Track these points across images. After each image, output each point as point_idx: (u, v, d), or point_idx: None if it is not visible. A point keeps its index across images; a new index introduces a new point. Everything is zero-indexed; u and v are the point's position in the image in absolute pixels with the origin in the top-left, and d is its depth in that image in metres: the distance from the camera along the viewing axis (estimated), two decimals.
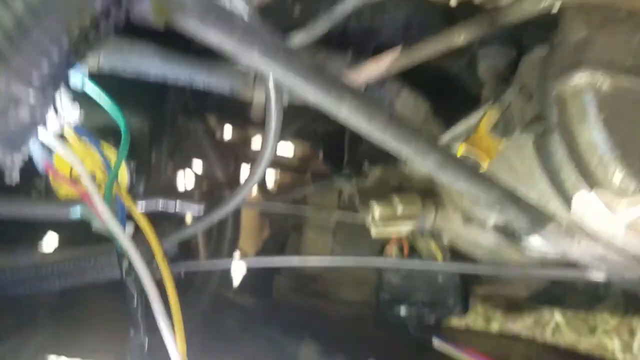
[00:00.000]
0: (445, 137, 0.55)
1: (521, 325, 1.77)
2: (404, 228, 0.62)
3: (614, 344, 1.67)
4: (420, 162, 0.31)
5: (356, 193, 0.68)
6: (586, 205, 0.38)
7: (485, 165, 0.40)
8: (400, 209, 0.60)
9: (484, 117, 0.43)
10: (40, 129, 0.32)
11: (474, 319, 1.72)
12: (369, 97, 0.28)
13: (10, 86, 0.21)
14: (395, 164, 0.67)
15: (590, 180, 0.36)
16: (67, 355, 0.74)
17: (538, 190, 0.44)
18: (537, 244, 0.49)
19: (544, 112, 0.40)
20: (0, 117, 0.20)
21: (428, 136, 0.31)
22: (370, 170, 0.67)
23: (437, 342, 0.76)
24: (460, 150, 0.41)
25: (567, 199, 0.40)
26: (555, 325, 1.74)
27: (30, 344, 0.52)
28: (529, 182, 0.44)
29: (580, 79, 0.37)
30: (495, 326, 1.74)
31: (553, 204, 0.42)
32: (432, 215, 0.62)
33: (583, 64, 0.37)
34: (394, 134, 0.30)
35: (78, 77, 0.34)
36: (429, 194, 0.63)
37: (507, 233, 0.52)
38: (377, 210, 0.60)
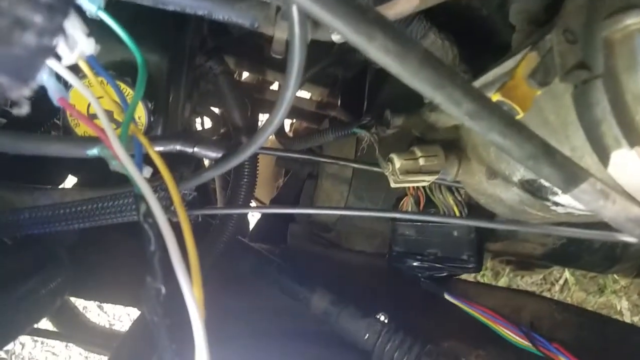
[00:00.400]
0: (476, 84, 0.51)
1: (529, 281, 1.79)
2: (424, 181, 0.61)
3: (623, 304, 1.67)
4: (452, 110, 0.29)
5: (376, 142, 0.66)
6: (625, 163, 0.36)
7: (521, 116, 0.38)
8: (422, 161, 0.58)
9: (521, 63, 0.39)
10: (54, 61, 0.30)
11: (483, 273, 1.74)
12: (402, 33, 0.26)
13: (15, 7, 0.19)
14: (418, 113, 0.64)
15: (633, 134, 0.34)
16: (85, 298, 0.77)
17: (571, 145, 0.41)
18: (565, 202, 0.47)
19: (589, 58, 0.37)
20: (5, 41, 0.19)
21: (462, 81, 0.28)
22: (392, 118, 0.65)
23: (447, 296, 0.77)
24: (494, 98, 0.38)
25: (604, 155, 0.37)
26: (564, 283, 1.75)
27: (50, 285, 0.53)
28: (562, 136, 0.42)
29: (632, 21, 0.33)
30: (503, 281, 1.75)
31: (587, 161, 0.40)
32: (455, 168, 0.60)
33: (637, 4, 0.33)
34: (426, 77, 0.27)
35: (94, 8, 0.32)
36: (452, 145, 0.61)
37: (534, 189, 0.50)
38: (397, 162, 0.58)
